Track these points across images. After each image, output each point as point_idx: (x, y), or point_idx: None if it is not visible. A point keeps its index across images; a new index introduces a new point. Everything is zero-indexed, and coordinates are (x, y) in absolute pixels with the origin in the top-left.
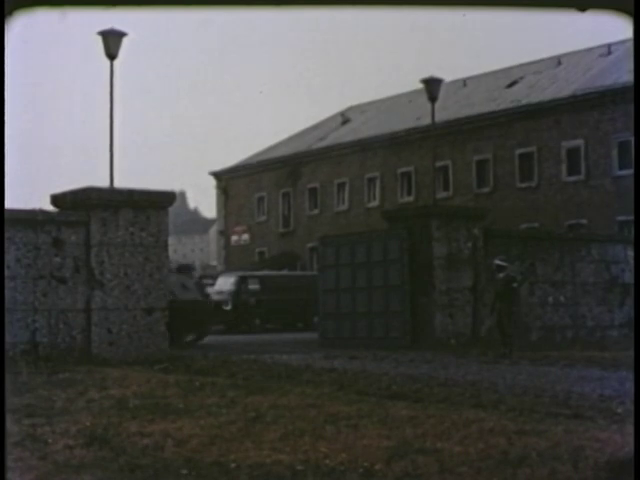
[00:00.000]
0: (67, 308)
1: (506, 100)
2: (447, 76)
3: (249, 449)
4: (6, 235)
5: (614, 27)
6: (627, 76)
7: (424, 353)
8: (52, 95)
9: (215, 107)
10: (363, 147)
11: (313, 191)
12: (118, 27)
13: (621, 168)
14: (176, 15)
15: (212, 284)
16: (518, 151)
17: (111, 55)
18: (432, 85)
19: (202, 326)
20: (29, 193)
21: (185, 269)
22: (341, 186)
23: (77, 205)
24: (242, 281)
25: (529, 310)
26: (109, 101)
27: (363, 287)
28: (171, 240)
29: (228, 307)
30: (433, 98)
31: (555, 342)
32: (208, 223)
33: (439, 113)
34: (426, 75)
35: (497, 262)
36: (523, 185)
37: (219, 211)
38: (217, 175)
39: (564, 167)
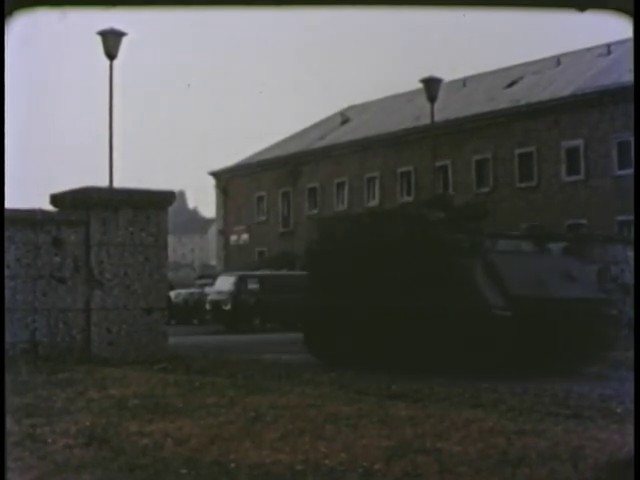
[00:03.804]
0: (67, 308)
1: (505, 100)
2: (447, 76)
3: (249, 449)
4: (6, 235)
5: (614, 27)
6: (627, 76)
7: None
8: (52, 95)
9: (215, 107)
10: (363, 147)
11: (313, 191)
12: (118, 27)
13: (621, 168)
14: (176, 15)
15: (211, 284)
16: (518, 151)
17: (111, 55)
18: (431, 85)
19: (594, 349)
20: (29, 193)
21: (582, 250)
22: (341, 186)
23: (77, 205)
24: (241, 281)
25: None
26: (109, 101)
27: None
28: (170, 240)
29: (227, 307)
30: (432, 98)
31: None
32: (207, 223)
33: (439, 113)
34: (426, 75)
35: None
36: (523, 185)
37: (218, 211)
38: (216, 175)
39: (564, 167)
